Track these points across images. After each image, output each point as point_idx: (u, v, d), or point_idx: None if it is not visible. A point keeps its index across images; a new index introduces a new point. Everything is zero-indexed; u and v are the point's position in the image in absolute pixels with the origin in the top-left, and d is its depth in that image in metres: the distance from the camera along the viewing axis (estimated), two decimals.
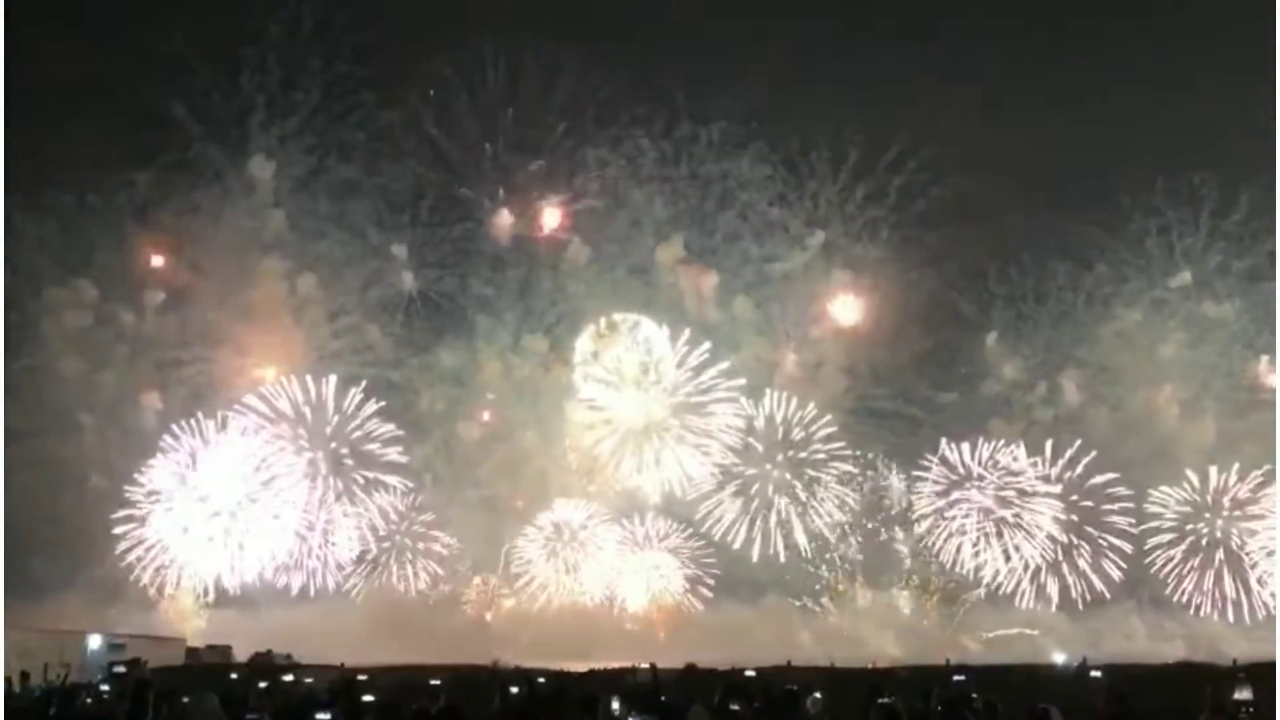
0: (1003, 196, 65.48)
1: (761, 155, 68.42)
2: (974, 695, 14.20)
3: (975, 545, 67.22)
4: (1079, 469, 66.41)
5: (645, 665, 55.82)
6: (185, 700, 18.78)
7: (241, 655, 62.18)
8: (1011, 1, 71.02)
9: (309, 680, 34.37)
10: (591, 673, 56.63)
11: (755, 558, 66.86)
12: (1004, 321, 69.50)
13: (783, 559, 67.98)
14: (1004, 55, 67.90)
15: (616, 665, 57.02)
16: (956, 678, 49.78)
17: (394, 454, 65.81)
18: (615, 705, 18.88)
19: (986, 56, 67.84)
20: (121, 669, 41.96)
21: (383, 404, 66.48)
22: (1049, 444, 67.04)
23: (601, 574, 67.59)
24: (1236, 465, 66.82)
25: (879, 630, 67.89)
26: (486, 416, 68.78)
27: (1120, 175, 67.38)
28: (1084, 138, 68.31)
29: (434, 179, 68.97)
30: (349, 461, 67.08)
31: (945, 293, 68.08)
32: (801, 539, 66.79)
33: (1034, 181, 65.47)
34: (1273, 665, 57.43)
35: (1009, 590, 66.69)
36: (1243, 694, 21.30)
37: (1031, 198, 65.28)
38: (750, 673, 50.56)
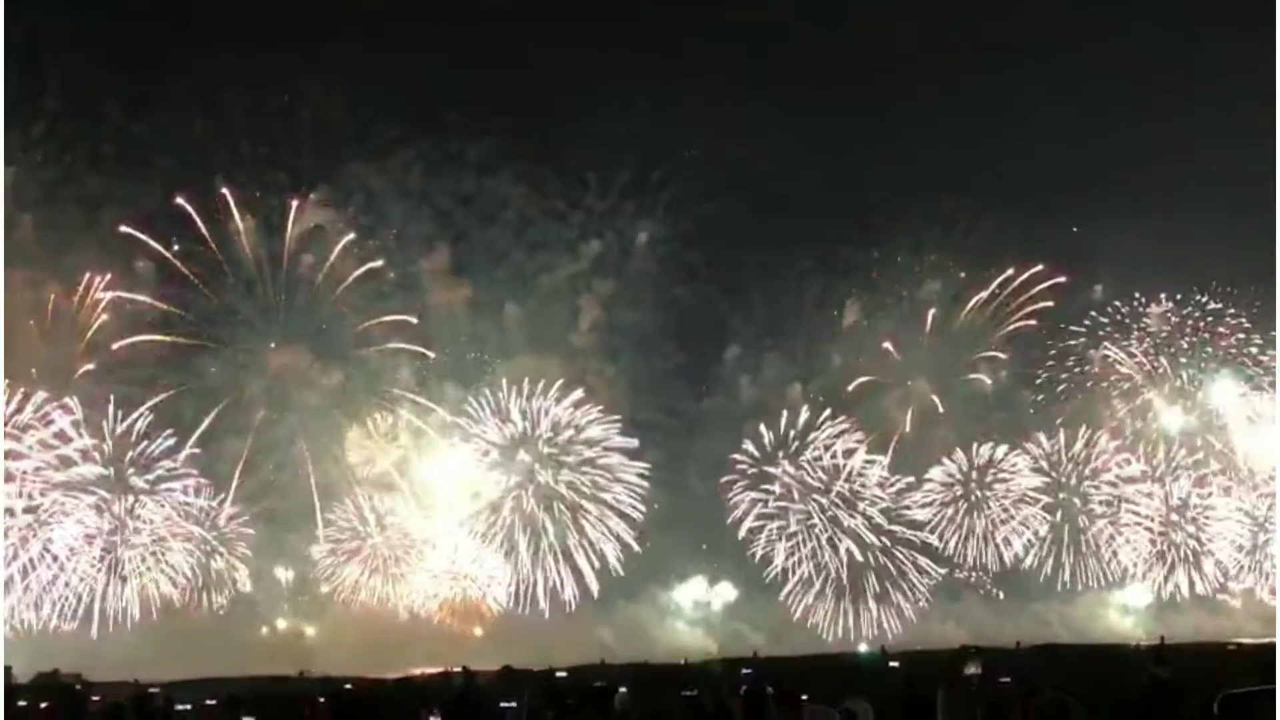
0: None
1: (525, 173, 70.04)
2: (770, 689, 14.91)
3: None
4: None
5: (459, 669, 55.68)
6: None
7: (23, 676, 58.47)
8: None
9: (95, 698, 32.68)
10: (406, 679, 55.77)
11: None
12: (754, 335, 73.53)
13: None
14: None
15: (432, 671, 56.40)
16: (744, 670, 52.97)
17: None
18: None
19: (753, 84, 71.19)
20: None
21: (150, 418, 64.20)
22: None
23: (413, 579, 67.17)
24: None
25: (689, 627, 70.31)
26: (253, 430, 67.68)
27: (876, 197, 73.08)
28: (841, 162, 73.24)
29: (184, 191, 67.05)
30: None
31: (705, 306, 71.82)
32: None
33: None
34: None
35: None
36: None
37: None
38: (563, 673, 51.48)
